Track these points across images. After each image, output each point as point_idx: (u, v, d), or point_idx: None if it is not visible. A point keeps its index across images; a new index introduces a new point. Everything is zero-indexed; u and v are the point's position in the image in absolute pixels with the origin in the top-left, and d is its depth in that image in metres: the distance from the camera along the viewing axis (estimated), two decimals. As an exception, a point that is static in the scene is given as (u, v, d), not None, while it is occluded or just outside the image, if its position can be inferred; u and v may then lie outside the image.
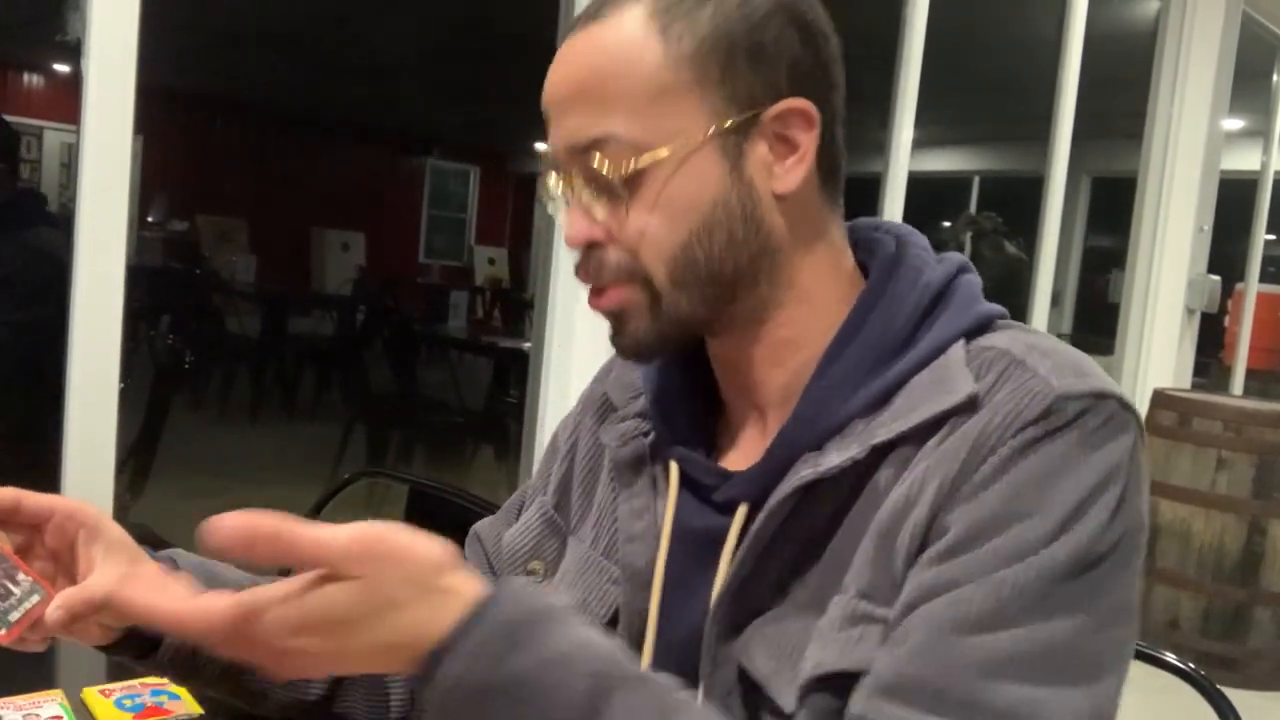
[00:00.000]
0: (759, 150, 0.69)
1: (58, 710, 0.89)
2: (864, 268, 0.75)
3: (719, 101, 0.67)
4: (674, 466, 0.75)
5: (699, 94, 0.67)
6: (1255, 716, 0.98)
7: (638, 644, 0.74)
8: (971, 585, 0.59)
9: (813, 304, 0.72)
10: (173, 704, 0.93)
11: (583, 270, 0.72)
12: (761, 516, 0.68)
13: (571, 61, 0.69)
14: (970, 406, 0.64)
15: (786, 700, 0.64)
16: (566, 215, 0.71)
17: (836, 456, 0.66)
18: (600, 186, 0.69)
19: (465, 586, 0.54)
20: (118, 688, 0.94)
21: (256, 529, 0.50)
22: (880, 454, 0.66)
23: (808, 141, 0.69)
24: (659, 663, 0.72)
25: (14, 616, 0.67)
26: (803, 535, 0.68)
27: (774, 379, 0.73)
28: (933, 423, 0.65)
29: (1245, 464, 3.34)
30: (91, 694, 0.93)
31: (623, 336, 0.72)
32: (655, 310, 0.70)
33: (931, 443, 0.65)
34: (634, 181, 0.68)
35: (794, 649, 0.65)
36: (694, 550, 0.73)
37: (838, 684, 0.62)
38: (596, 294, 0.72)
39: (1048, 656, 0.58)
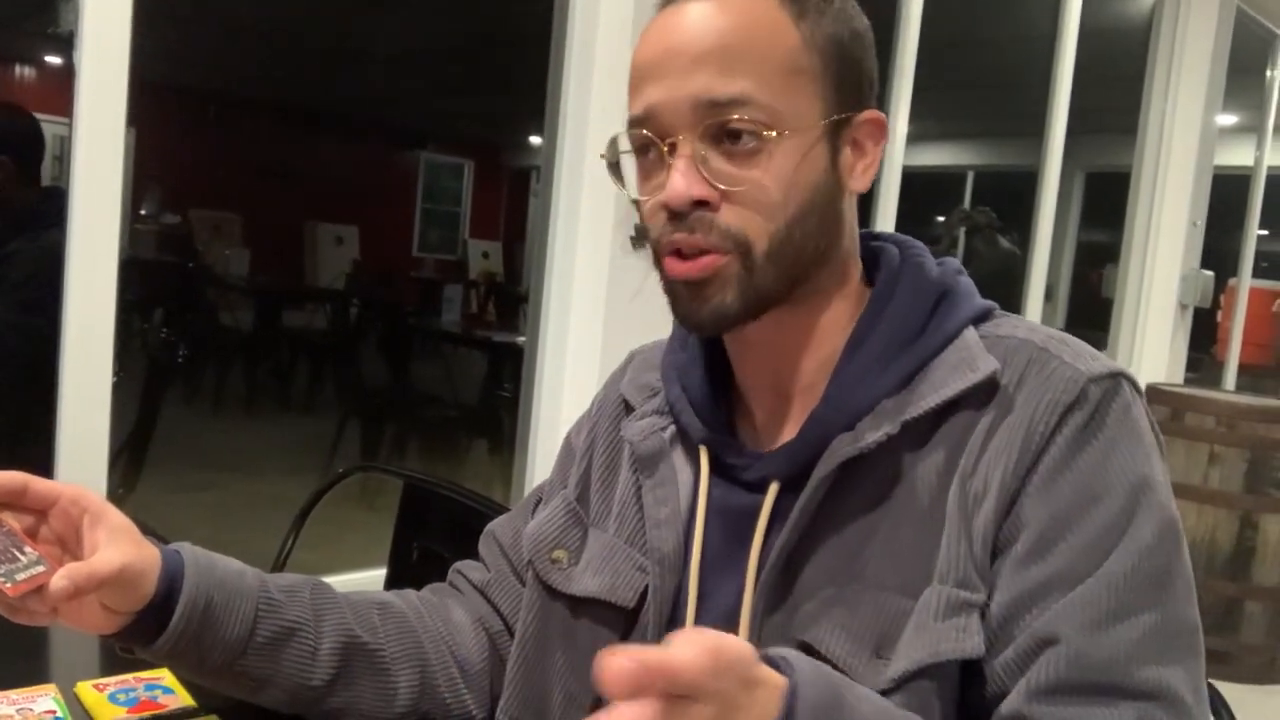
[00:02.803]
0: (845, 150, 0.74)
1: (51, 704, 0.89)
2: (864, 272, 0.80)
3: (831, 95, 0.72)
4: (704, 451, 0.79)
5: (820, 84, 0.71)
6: (1247, 710, 0.99)
7: (670, 624, 0.77)
8: (1091, 581, 0.65)
9: (844, 296, 0.77)
10: (166, 698, 0.93)
11: (683, 229, 0.70)
12: (806, 491, 0.71)
13: (707, 18, 0.70)
14: (994, 384, 0.70)
15: (873, 680, 0.67)
16: (670, 171, 0.70)
17: (872, 434, 0.70)
18: (727, 147, 0.70)
19: (771, 675, 0.55)
20: (112, 682, 0.94)
21: (647, 665, 0.48)
22: (914, 435, 0.70)
23: (876, 151, 0.75)
24: None
25: (20, 577, 0.69)
26: (848, 514, 0.71)
27: (802, 366, 0.77)
28: (963, 402, 0.70)
29: (1237, 459, 3.35)
30: (85, 688, 0.93)
31: (705, 304, 0.71)
32: (745, 281, 0.71)
33: (979, 432, 0.69)
34: (762, 149, 0.70)
35: (873, 633, 0.68)
36: (727, 528, 0.76)
37: (940, 670, 0.66)
38: (684, 258, 0.71)
39: (1166, 632, 0.65)
